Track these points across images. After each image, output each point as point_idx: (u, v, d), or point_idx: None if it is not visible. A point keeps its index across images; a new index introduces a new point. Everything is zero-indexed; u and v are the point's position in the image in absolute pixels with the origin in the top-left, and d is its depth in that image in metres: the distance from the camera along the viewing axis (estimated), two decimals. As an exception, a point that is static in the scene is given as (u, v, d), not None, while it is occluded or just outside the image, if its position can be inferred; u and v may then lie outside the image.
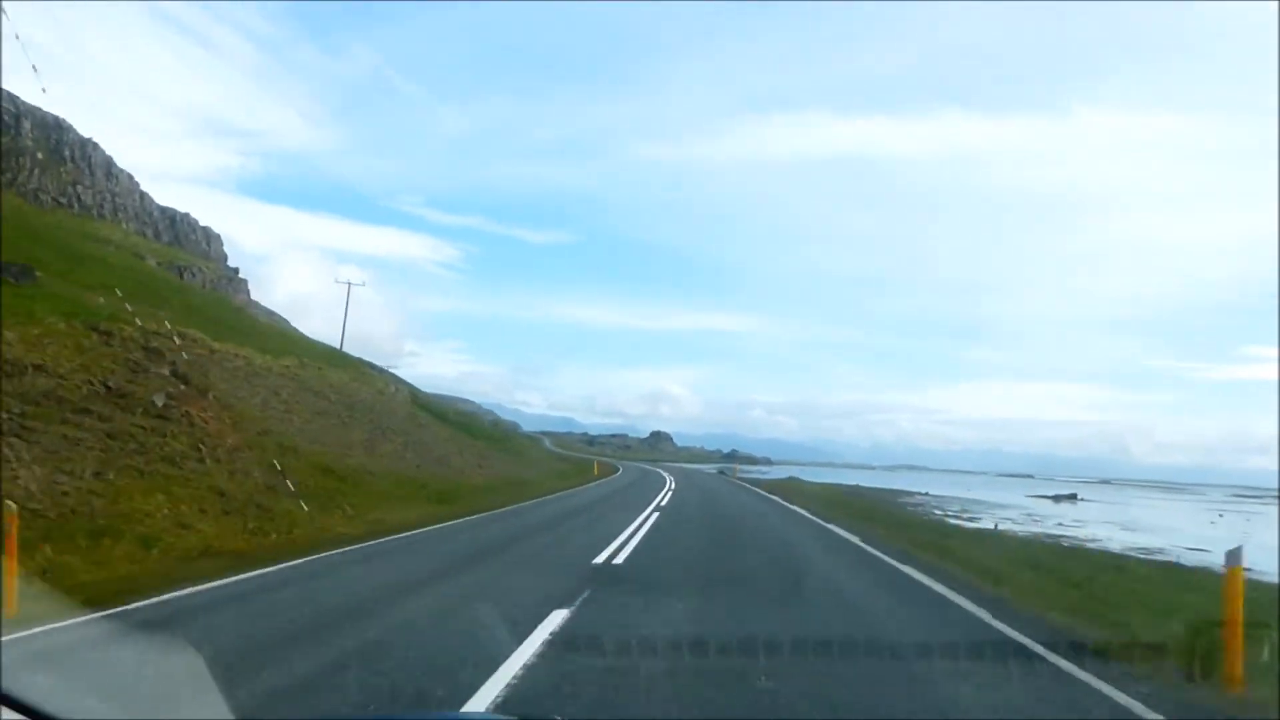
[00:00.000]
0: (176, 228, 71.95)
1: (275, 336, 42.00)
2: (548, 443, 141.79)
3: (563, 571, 11.82)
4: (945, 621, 9.46)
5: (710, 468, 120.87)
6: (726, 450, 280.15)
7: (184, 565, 11.85)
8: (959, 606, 10.17)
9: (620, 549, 14.60)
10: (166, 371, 19.43)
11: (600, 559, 13.26)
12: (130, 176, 69.55)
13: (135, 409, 16.99)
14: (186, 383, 19.67)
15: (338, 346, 65.02)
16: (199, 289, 49.74)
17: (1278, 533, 53.75)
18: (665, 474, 63.19)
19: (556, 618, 8.17)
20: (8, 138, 60.29)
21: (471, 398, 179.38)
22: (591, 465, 63.89)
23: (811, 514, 26.62)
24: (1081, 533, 51.07)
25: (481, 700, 5.44)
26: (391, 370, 72.06)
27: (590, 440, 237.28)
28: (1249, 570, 26.60)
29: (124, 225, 66.95)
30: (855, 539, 18.93)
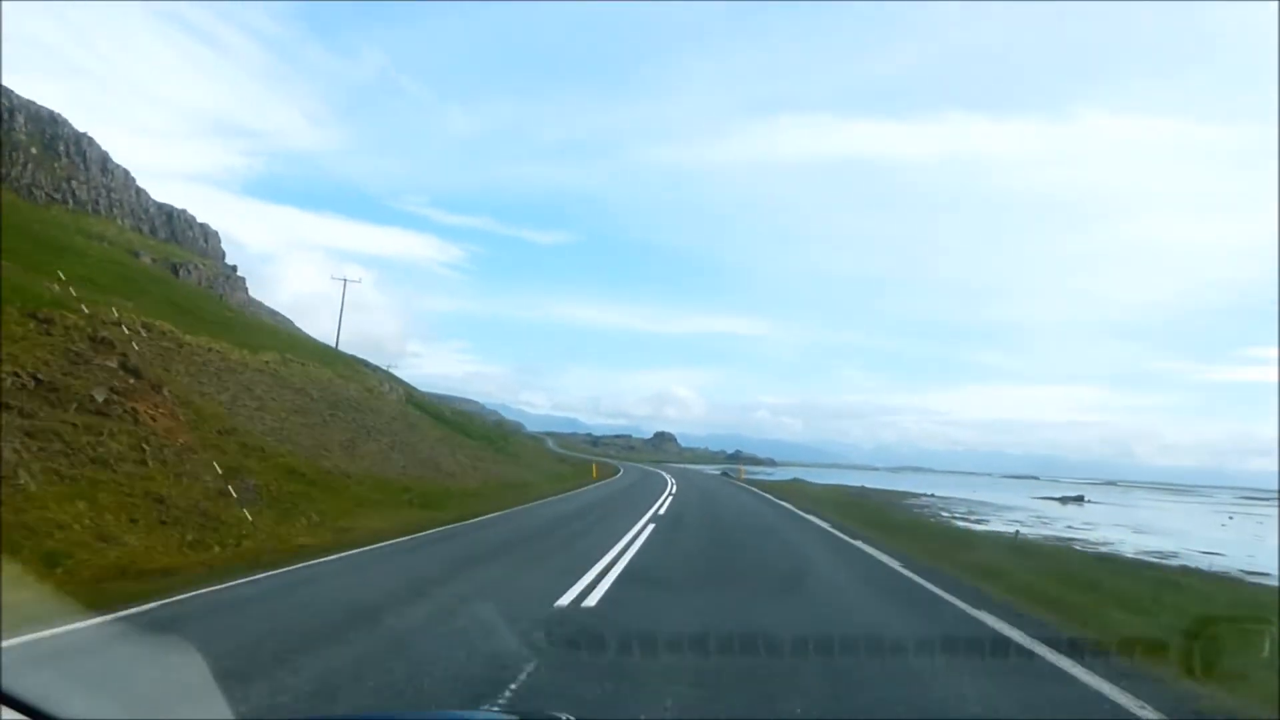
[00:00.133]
0: (173, 224, 70.01)
1: (264, 332, 39.97)
2: (551, 443, 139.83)
3: (515, 618, 8.21)
4: (1059, 700, 6.48)
5: (714, 469, 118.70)
6: (730, 451, 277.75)
7: (85, 589, 9.76)
8: (1053, 666, 7.35)
9: (599, 580, 11.14)
10: (114, 364, 17.35)
11: (568, 598, 9.81)
12: (126, 172, 67.60)
13: (69, 404, 14.91)
14: (138, 376, 17.60)
15: (336, 345, 63.10)
16: (180, 283, 47.63)
17: (1278, 534, 52.04)
18: (667, 476, 60.69)
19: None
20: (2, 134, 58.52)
21: (476, 398, 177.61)
22: (590, 467, 61.41)
23: (829, 524, 23.14)
24: (1094, 536, 49.08)
25: None
26: (390, 369, 70.10)
27: (594, 441, 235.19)
28: (1266, 575, 24.59)
29: (119, 221, 64.99)
30: (887, 558, 15.66)
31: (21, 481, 12.08)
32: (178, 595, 9.29)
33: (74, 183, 63.61)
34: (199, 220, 72.72)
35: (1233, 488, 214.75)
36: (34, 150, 62.24)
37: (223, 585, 10.10)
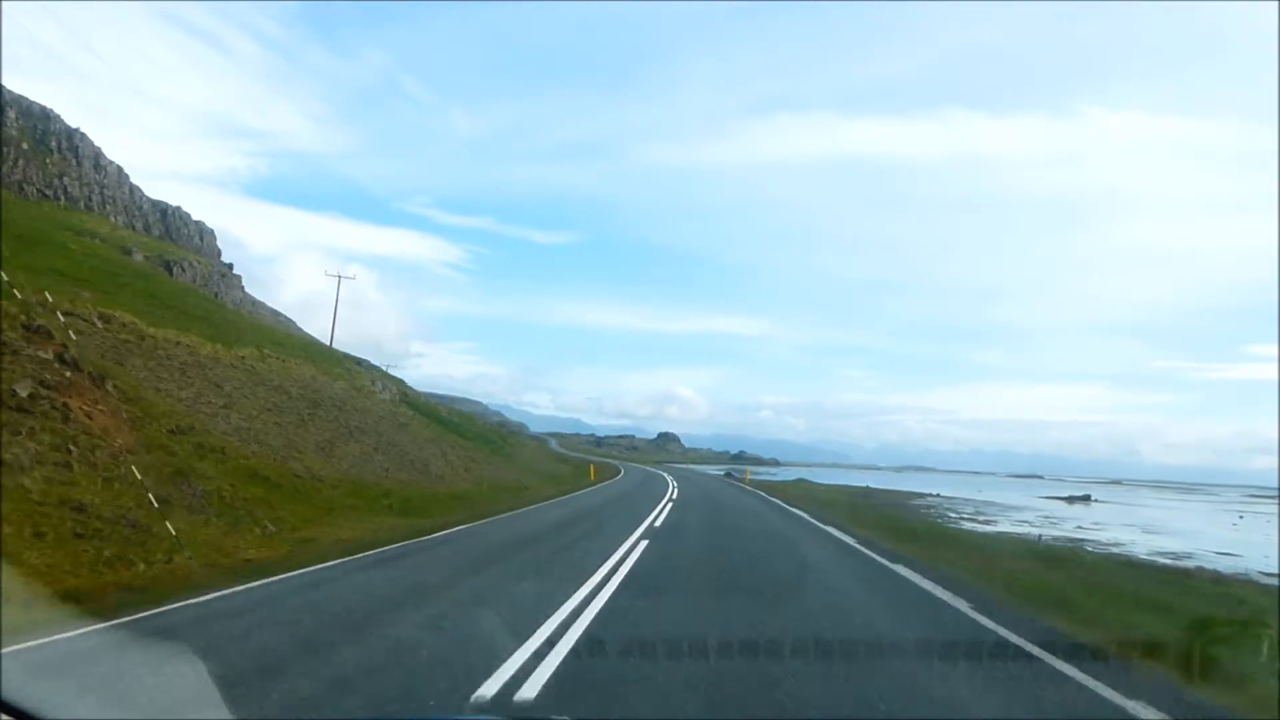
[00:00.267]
0: (168, 221, 68.10)
1: (247, 328, 37.92)
2: (554, 444, 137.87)
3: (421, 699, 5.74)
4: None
5: (717, 470, 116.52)
6: (734, 451, 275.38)
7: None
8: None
9: (555, 640, 7.61)
10: (49, 355, 15.30)
11: (499, 678, 6.33)
12: (119, 169, 65.65)
13: (-19, 399, 12.89)
14: (76, 369, 15.55)
15: (338, 342, 61.13)
16: (165, 278, 45.63)
17: (1278, 533, 50.11)
18: (669, 478, 57.78)
19: None
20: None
21: (480, 399, 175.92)
22: (589, 469, 58.80)
23: (855, 540, 19.25)
24: (1105, 536, 47.14)
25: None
26: (389, 369, 68.14)
27: (598, 442, 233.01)
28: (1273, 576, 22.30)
29: (113, 218, 63.08)
30: (923, 581, 12.66)
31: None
32: (24, 641, 7.15)
33: (66, 179, 61.70)
34: (194, 218, 70.80)
35: (1237, 486, 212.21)
36: (25, 146, 60.38)
37: (99, 625, 7.95)
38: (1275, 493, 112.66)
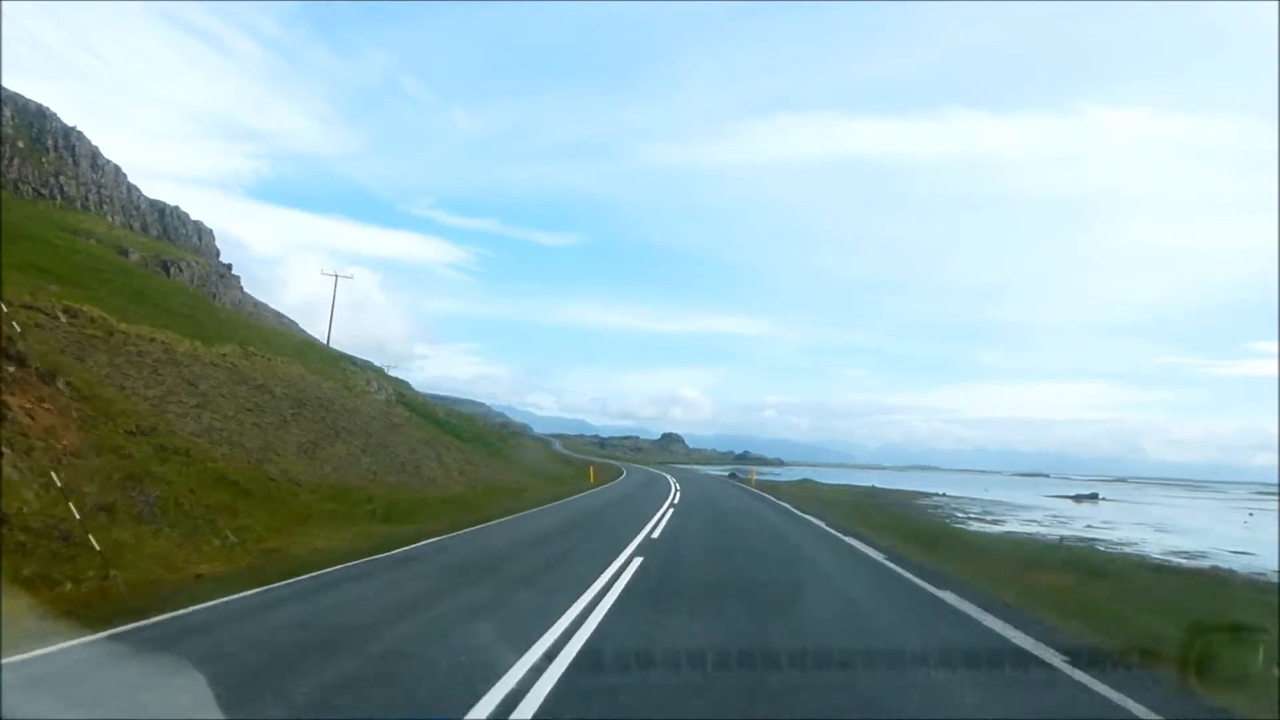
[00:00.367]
0: (165, 221, 66.78)
1: (236, 326, 36.50)
2: (558, 445, 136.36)
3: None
4: None
5: (721, 470, 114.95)
6: (738, 452, 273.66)
7: None
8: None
9: (516, 700, 5.84)
10: (-10, 349, 13.86)
11: None
12: (117, 168, 64.34)
13: (-99, 397, 11.44)
14: (21, 364, 14.10)
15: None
16: (154, 276, 44.24)
17: (1278, 530, 48.72)
18: (671, 480, 55.81)
19: None
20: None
21: (483, 400, 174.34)
22: (588, 471, 56.82)
23: (877, 551, 16.86)
24: (1116, 536, 45.69)
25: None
26: (389, 369, 66.72)
27: (601, 443, 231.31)
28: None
29: (110, 218, 61.79)
30: (966, 605, 10.60)
31: None
32: None
33: (62, 178, 60.42)
34: (193, 218, 69.50)
35: (1242, 483, 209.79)
36: (20, 144, 59.10)
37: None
38: (1277, 490, 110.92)
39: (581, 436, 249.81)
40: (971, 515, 56.39)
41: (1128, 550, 35.32)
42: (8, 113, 59.01)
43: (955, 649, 8.49)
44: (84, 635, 7.67)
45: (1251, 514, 76.23)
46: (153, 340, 21.62)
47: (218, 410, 20.00)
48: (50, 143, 60.85)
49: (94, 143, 62.87)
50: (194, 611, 8.97)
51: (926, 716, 6.14)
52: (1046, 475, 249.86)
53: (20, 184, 57.39)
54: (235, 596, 9.76)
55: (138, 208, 65.14)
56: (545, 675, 6.52)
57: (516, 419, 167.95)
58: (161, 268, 55.96)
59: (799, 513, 28.55)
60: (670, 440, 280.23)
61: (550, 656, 7.18)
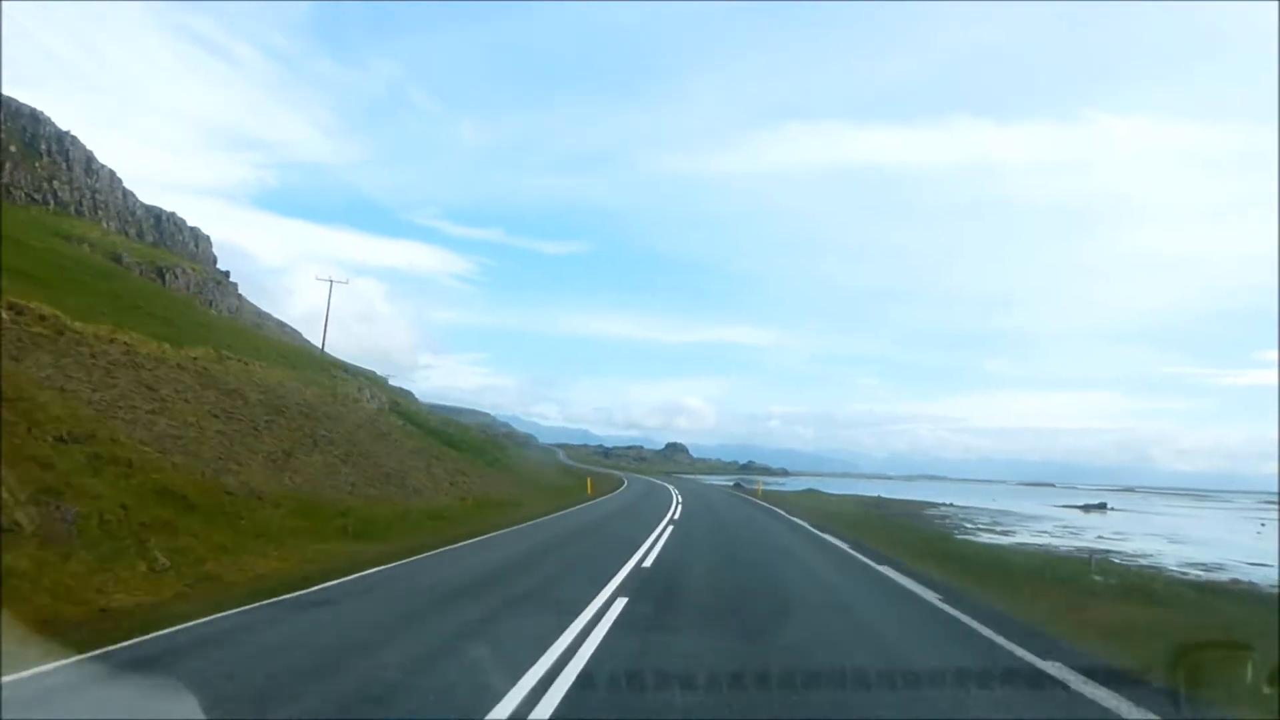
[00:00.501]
0: (161, 227, 65.23)
1: (217, 330, 34.74)
2: (561, 455, 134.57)
3: None
4: None
5: (725, 480, 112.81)
6: (743, 461, 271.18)
7: None
8: None
9: None
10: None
11: None
12: (112, 173, 62.82)
13: None
14: (-69, 362, 12.33)
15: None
16: (139, 281, 42.56)
17: (1278, 539, 46.85)
18: (673, 492, 53.51)
19: None
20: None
21: (488, 410, 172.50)
22: (586, 482, 54.46)
23: (909, 578, 13.79)
24: (1130, 547, 43.77)
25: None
26: (391, 379, 65.03)
27: (606, 453, 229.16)
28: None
29: (104, 224, 60.22)
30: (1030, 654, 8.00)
31: None
32: None
33: (55, 183, 58.90)
34: (190, 224, 67.95)
35: (1251, 492, 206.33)
36: (13, 149, 57.62)
37: None
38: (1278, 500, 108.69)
39: (586, 446, 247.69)
40: (980, 526, 54.49)
41: (1143, 563, 33.61)
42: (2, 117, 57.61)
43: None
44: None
45: (1264, 524, 74.20)
46: (113, 341, 19.87)
47: (176, 416, 18.19)
48: (44, 148, 59.42)
49: (88, 148, 61.36)
50: (54, 670, 6.84)
51: None
52: (1053, 484, 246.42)
53: (13, 189, 55.89)
54: (125, 644, 7.80)
55: (133, 213, 63.62)
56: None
57: (521, 429, 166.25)
58: (157, 274, 54.39)
59: (816, 531, 25.49)
60: (674, 450, 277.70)
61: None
